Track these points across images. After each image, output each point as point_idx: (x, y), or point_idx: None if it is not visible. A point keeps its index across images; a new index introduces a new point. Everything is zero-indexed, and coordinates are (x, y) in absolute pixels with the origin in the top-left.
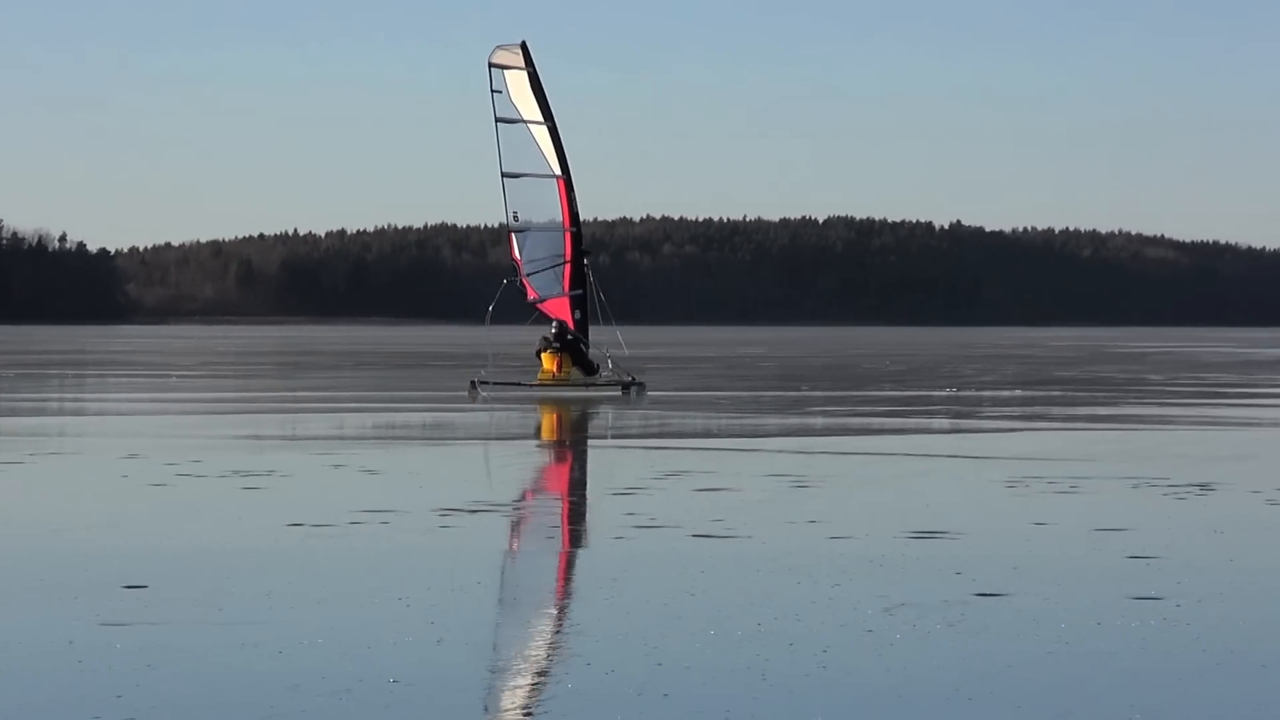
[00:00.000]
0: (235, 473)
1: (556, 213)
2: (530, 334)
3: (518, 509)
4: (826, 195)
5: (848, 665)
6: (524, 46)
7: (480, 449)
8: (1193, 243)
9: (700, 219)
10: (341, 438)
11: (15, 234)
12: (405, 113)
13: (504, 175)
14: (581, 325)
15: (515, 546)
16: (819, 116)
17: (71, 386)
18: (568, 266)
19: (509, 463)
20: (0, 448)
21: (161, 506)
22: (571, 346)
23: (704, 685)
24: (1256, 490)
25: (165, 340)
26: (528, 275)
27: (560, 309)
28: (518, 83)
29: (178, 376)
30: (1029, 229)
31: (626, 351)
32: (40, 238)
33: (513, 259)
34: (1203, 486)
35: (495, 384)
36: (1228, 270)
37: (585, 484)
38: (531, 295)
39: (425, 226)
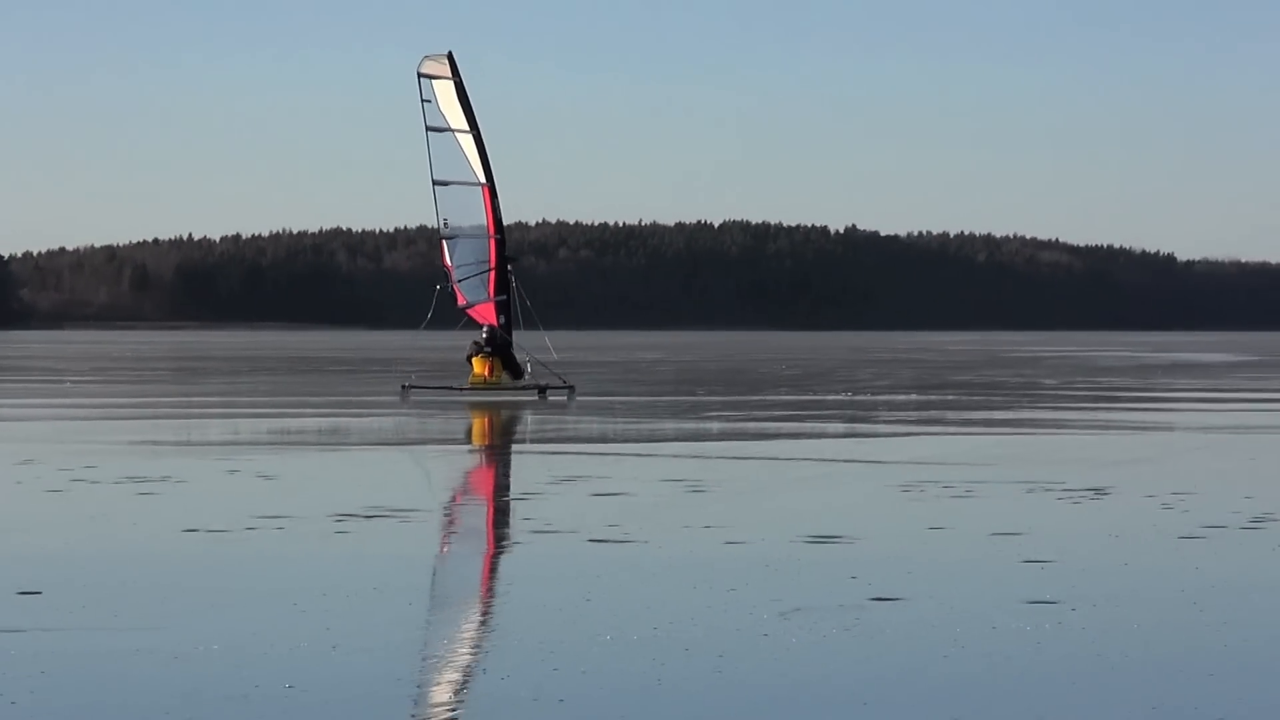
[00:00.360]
0: (130, 478)
1: (482, 219)
2: (460, 338)
3: (414, 514)
4: (722, 199)
5: (744, 669)
6: (450, 56)
7: (377, 454)
8: (1087, 246)
9: (596, 223)
10: (237, 443)
11: None
12: (299, 116)
13: (434, 183)
14: (506, 330)
15: (411, 552)
16: (714, 120)
17: None
18: (492, 273)
19: (405, 468)
20: None
21: (56, 512)
22: (502, 351)
23: (600, 690)
24: (1151, 494)
25: (60, 345)
26: (458, 281)
27: (486, 314)
28: (445, 92)
29: (73, 382)
30: (924, 233)
31: (555, 356)
32: None
33: (444, 266)
34: (1097, 491)
35: (426, 387)
36: (1121, 274)
37: (482, 489)
38: (461, 301)
39: (320, 231)
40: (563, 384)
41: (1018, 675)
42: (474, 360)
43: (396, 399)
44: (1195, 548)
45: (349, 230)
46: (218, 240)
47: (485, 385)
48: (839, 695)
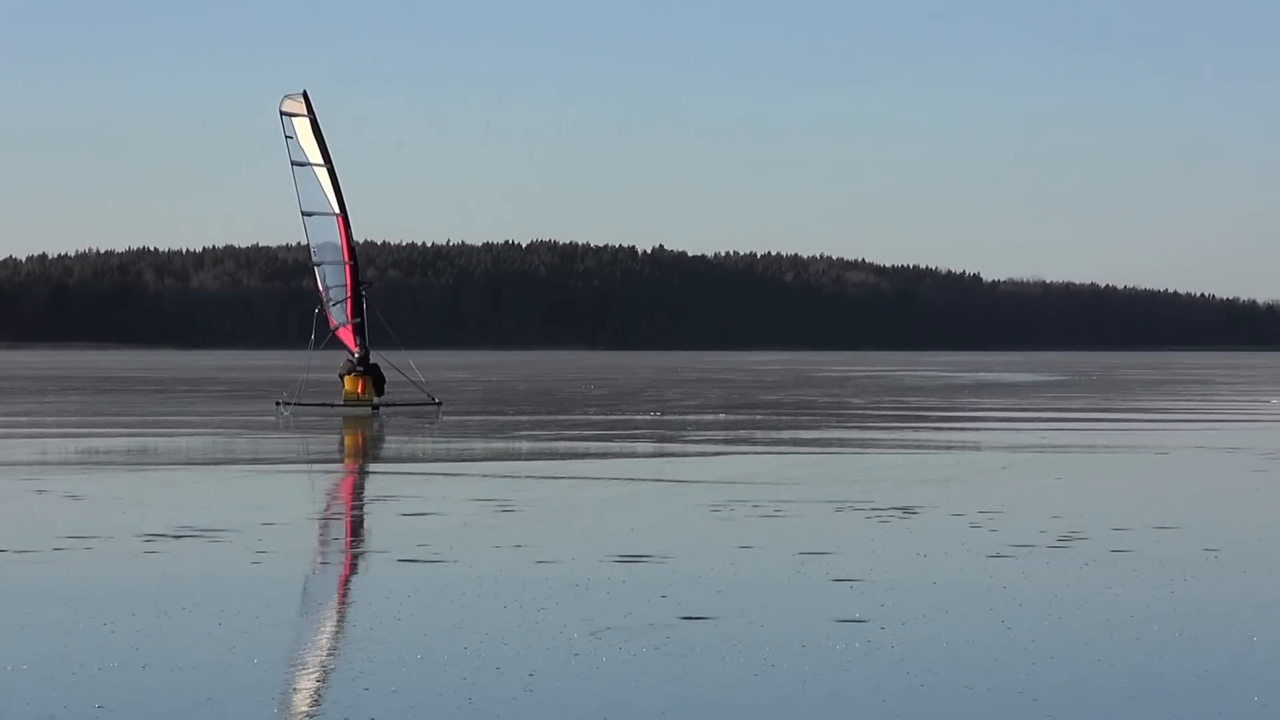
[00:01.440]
0: None
1: (338, 247)
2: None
3: (224, 534)
4: (529, 219)
5: (554, 689)
6: (305, 95)
7: (186, 474)
8: (893, 266)
9: (404, 243)
10: (45, 463)
11: None
12: (108, 135)
13: (303, 214)
14: (364, 350)
15: (221, 572)
16: (521, 140)
17: None
18: (349, 298)
19: (215, 488)
20: None
21: None
22: (373, 370)
23: (411, 710)
24: (959, 513)
25: None
26: (332, 305)
27: (347, 336)
28: (303, 129)
29: None
30: (731, 253)
31: (421, 376)
32: None
33: (317, 291)
34: (905, 510)
35: (300, 404)
36: (928, 294)
37: (293, 509)
38: (331, 324)
39: (128, 250)
40: (431, 400)
41: (828, 694)
42: (345, 378)
43: (274, 416)
44: (1003, 566)
45: (156, 250)
46: (24, 259)
47: (358, 401)
48: (650, 715)
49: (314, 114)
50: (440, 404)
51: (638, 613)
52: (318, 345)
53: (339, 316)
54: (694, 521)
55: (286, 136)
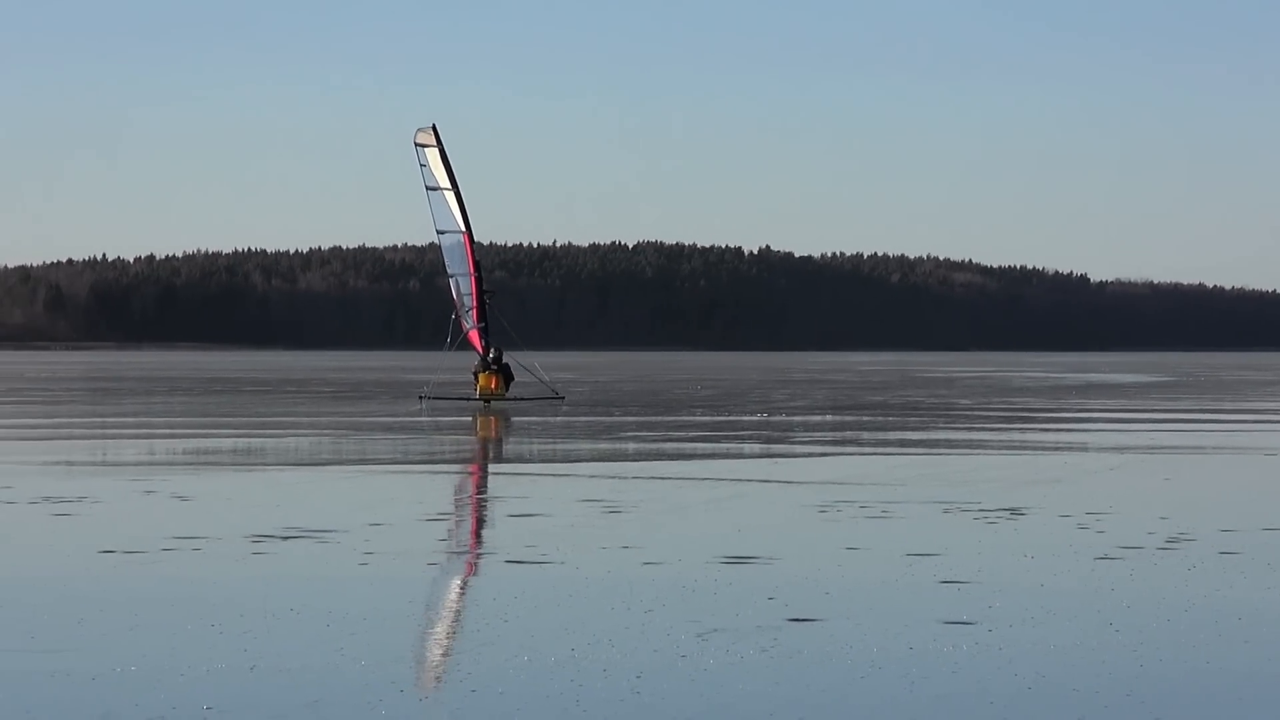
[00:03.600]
0: (46, 499)
1: (466, 261)
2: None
3: (331, 535)
4: (636, 220)
5: (661, 691)
6: (434, 129)
7: (294, 475)
8: (1000, 267)
9: (510, 244)
10: (153, 463)
11: None
12: (214, 136)
13: (437, 232)
14: (494, 350)
15: (328, 573)
16: (629, 141)
17: None
18: (475, 306)
19: (322, 488)
20: None
21: None
22: (504, 368)
23: (517, 712)
24: (1066, 514)
25: None
26: (464, 311)
27: (475, 339)
28: (434, 158)
29: None
30: (838, 254)
31: (545, 375)
32: None
33: (454, 301)
34: (1013, 511)
35: (440, 398)
36: (1035, 295)
37: (399, 510)
38: (464, 328)
39: (235, 251)
40: (554, 394)
41: (935, 696)
42: (480, 375)
43: (417, 406)
44: (1111, 568)
45: (263, 251)
46: (132, 260)
47: (492, 395)
48: (756, 717)
49: (442, 145)
50: (563, 398)
51: (745, 614)
52: (452, 346)
53: (469, 322)
54: (801, 522)
55: (420, 165)
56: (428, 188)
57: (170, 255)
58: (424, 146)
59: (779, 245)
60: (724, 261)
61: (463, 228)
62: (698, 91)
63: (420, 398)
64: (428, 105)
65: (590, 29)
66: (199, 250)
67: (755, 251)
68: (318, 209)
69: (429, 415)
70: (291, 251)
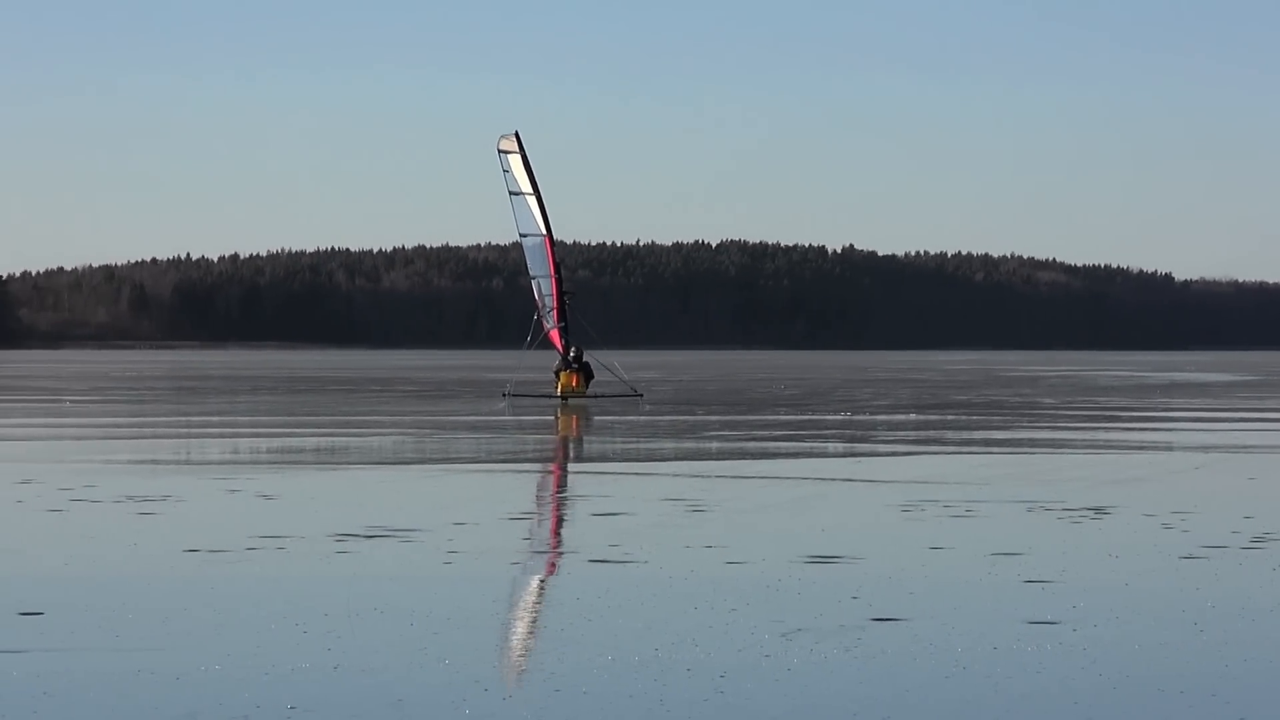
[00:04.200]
0: (130, 498)
1: (547, 263)
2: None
3: (415, 534)
4: (719, 219)
5: (745, 691)
6: (517, 135)
7: (377, 474)
8: (1084, 266)
9: (594, 243)
10: (237, 462)
11: None
12: (298, 135)
13: (520, 235)
14: (575, 348)
15: (412, 572)
16: (712, 140)
17: None
18: (555, 307)
19: (406, 487)
20: None
21: (57, 532)
22: (585, 366)
23: (601, 711)
24: (1151, 514)
25: (58, 365)
26: (545, 312)
27: (555, 338)
28: (517, 164)
29: (72, 401)
30: (921, 253)
31: (625, 374)
32: None
33: (535, 302)
34: (1097, 510)
35: (522, 395)
36: (1119, 294)
37: (483, 508)
38: (544, 328)
39: (318, 250)
40: (634, 391)
41: (1019, 696)
42: (561, 374)
43: (500, 404)
44: (1196, 568)
45: (347, 250)
46: (216, 260)
47: (572, 393)
48: (840, 717)
49: (524, 151)
50: (642, 395)
51: (828, 614)
52: (532, 345)
53: (549, 322)
54: (885, 522)
55: (504, 170)
56: (511, 193)
57: (254, 254)
58: (507, 153)
59: (863, 244)
60: (807, 260)
61: (544, 231)
62: (782, 90)
63: (503, 395)
64: (512, 104)
65: (676, 29)
66: (283, 249)
67: (839, 250)
68: (402, 208)
69: (512, 414)
70: (375, 251)
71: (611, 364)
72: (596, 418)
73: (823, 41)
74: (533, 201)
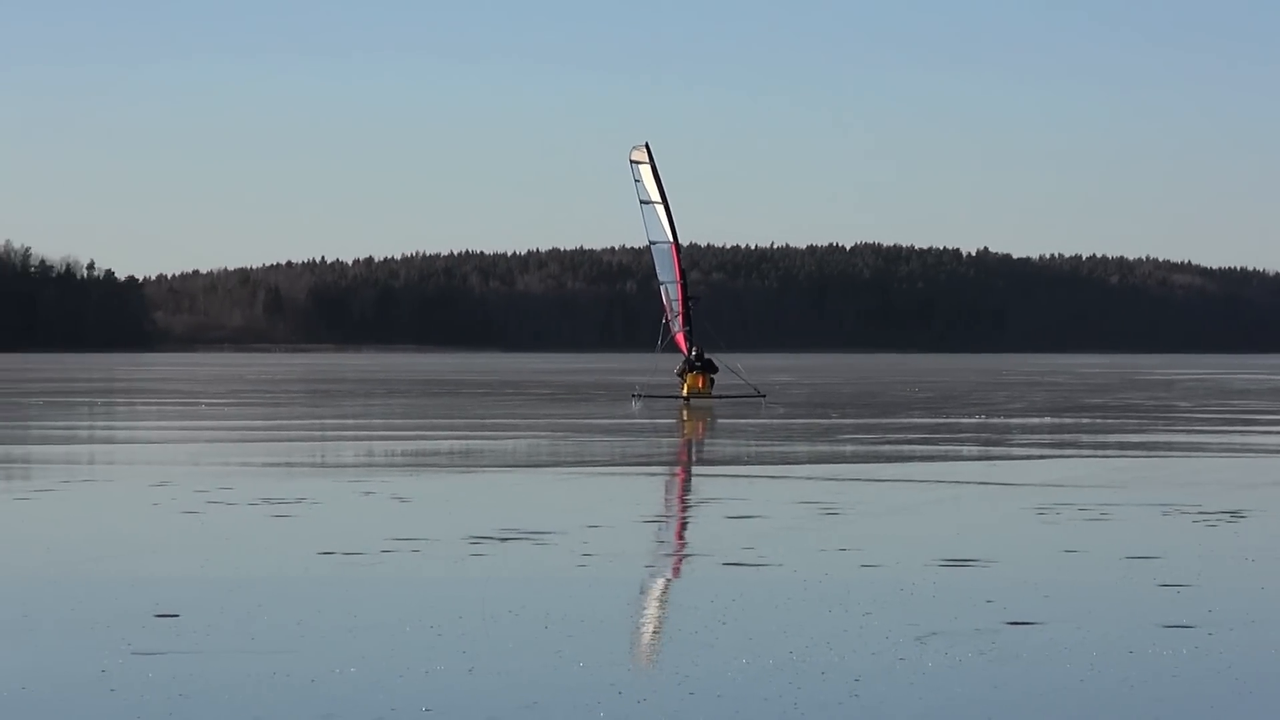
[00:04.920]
0: (265, 500)
1: (673, 270)
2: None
3: (549, 537)
4: (853, 222)
5: (880, 694)
6: (647, 146)
7: (511, 476)
8: (1220, 269)
9: (728, 246)
10: (372, 465)
11: (43, 262)
12: (433, 139)
13: (649, 242)
14: (699, 350)
15: (546, 575)
16: (846, 143)
17: (101, 414)
18: (681, 310)
19: (539, 490)
20: (31, 476)
21: (192, 535)
22: (709, 366)
23: (736, 714)
24: None
25: (193, 368)
26: (672, 317)
27: (681, 341)
28: (647, 174)
29: (207, 404)
30: (1056, 256)
31: (745, 372)
32: (68, 265)
33: (664, 306)
34: (1233, 514)
35: (651, 396)
36: (1255, 296)
37: (617, 511)
38: (671, 331)
39: (452, 254)
40: (756, 392)
41: (1155, 700)
42: (686, 376)
43: (631, 406)
44: None
45: (481, 253)
46: (350, 263)
47: (698, 394)
48: None
49: (654, 162)
50: (764, 396)
51: (963, 617)
52: (660, 348)
53: (675, 325)
54: (1019, 525)
55: (635, 180)
56: (641, 201)
57: (388, 257)
58: (638, 163)
59: (997, 247)
60: (942, 263)
61: (671, 239)
62: (918, 92)
63: (632, 396)
64: (646, 106)
65: (816, 31)
66: (417, 252)
67: (973, 253)
68: (536, 211)
69: (645, 416)
70: (509, 254)
71: (735, 366)
72: (730, 420)
73: (958, 44)
74: (661, 210)
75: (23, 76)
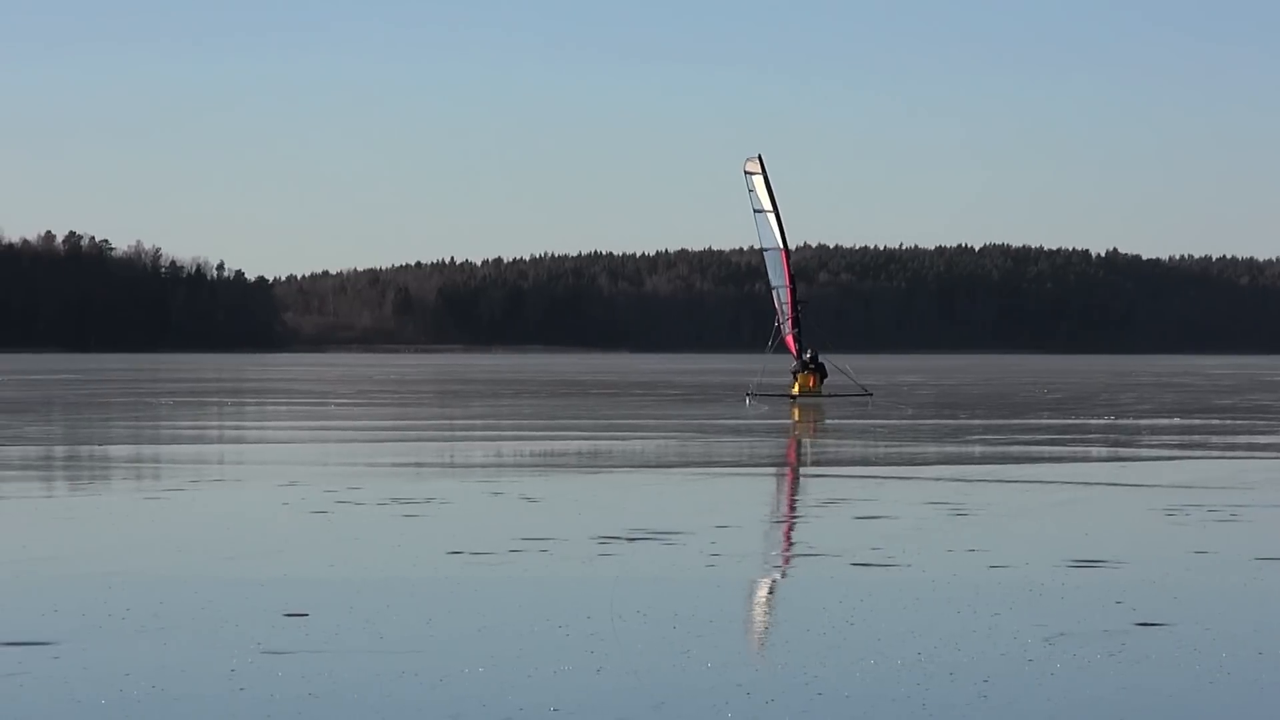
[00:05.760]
0: (394, 500)
1: (783, 275)
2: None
3: (677, 537)
4: (982, 223)
5: (1008, 695)
6: (760, 158)
7: (639, 477)
8: None
9: (857, 247)
10: (500, 465)
11: (174, 263)
12: (560, 140)
13: (762, 249)
14: (810, 351)
15: (675, 575)
16: (975, 145)
17: (231, 414)
18: (791, 314)
19: (667, 491)
20: (162, 476)
21: (321, 534)
22: (820, 367)
23: (863, 714)
24: None
25: (322, 368)
26: (782, 320)
27: (791, 343)
28: (759, 185)
29: (336, 404)
30: (1185, 257)
31: (857, 380)
32: (199, 266)
33: (774, 308)
34: None
35: (764, 395)
36: None
37: (745, 512)
38: (783, 333)
39: (581, 254)
40: (864, 391)
41: None
42: (798, 375)
43: (748, 404)
44: None
45: (609, 254)
46: (479, 264)
47: (809, 393)
48: None
49: (766, 173)
50: (871, 394)
51: (1092, 618)
52: (770, 349)
53: (785, 328)
54: (1148, 526)
55: (749, 190)
56: (755, 210)
57: (517, 258)
58: (751, 174)
59: (1126, 248)
60: (1071, 264)
61: (781, 245)
62: (1044, 93)
63: (745, 395)
64: (777, 109)
65: (944, 36)
66: (546, 253)
67: (1102, 254)
68: (664, 212)
69: (772, 418)
70: (638, 254)
71: (844, 367)
72: (859, 421)
73: (1086, 45)
74: (772, 218)
75: (155, 77)
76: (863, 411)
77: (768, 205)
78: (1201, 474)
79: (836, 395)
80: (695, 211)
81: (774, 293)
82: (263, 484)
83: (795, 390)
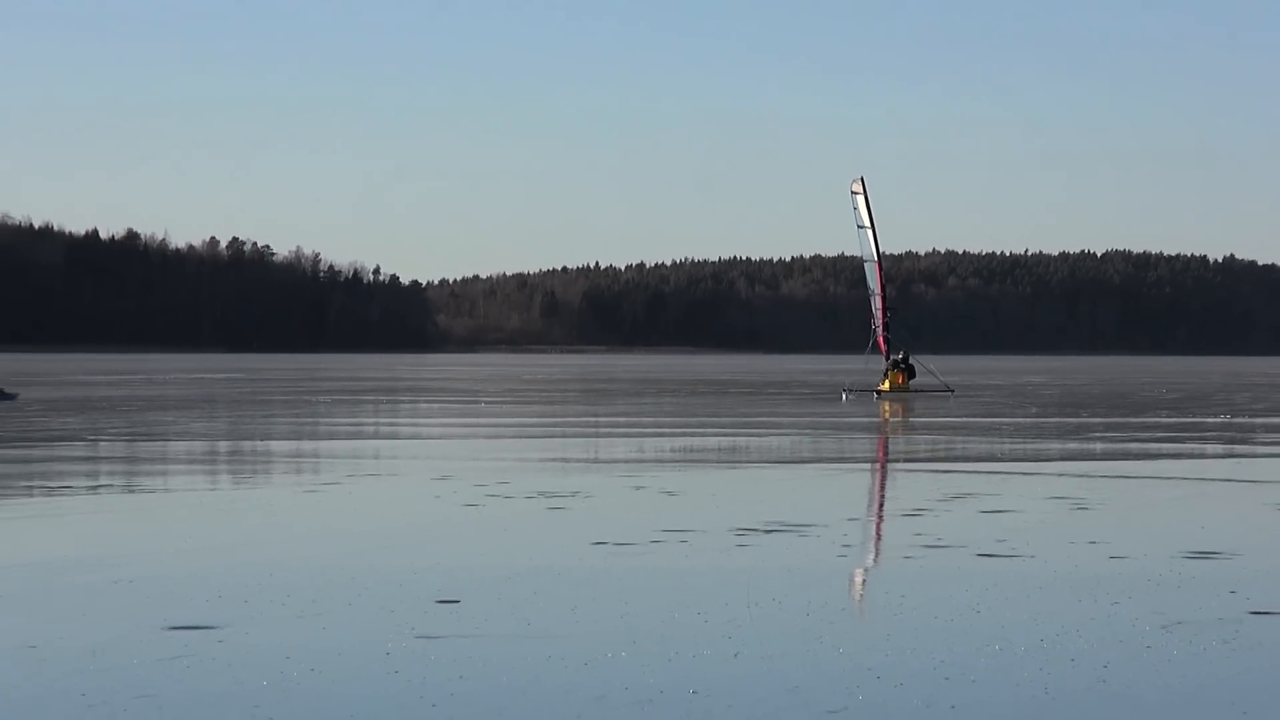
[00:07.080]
0: (541, 494)
1: (876, 284)
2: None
3: (811, 529)
4: (1104, 229)
5: (1127, 680)
6: (862, 180)
7: (775, 472)
8: None
9: (983, 252)
10: (642, 460)
11: (332, 267)
12: (704, 148)
13: (863, 260)
14: (901, 352)
15: (808, 565)
16: (1098, 152)
17: (386, 412)
18: (883, 319)
19: (801, 485)
20: (320, 470)
21: (472, 525)
22: (909, 368)
23: (989, 698)
24: None
25: (473, 368)
26: (876, 325)
27: (881, 344)
28: (861, 204)
29: (486, 402)
30: None
31: (940, 379)
32: (355, 271)
33: (872, 313)
34: None
35: (859, 391)
36: None
37: (875, 505)
38: (876, 336)
39: (720, 259)
40: (945, 388)
41: None
42: (889, 374)
43: (840, 399)
44: None
45: (748, 259)
46: (623, 268)
47: (899, 389)
48: (1220, 706)
49: (867, 193)
50: (953, 391)
51: (1207, 607)
52: (868, 351)
53: (878, 332)
54: (1263, 520)
55: (853, 208)
56: (858, 226)
57: (659, 263)
58: (855, 194)
59: (1243, 254)
60: (1189, 269)
61: (876, 258)
62: (1163, 101)
63: (843, 391)
64: (908, 117)
65: (1068, 45)
66: (686, 258)
67: (1220, 259)
68: (800, 219)
69: (899, 416)
70: (775, 260)
71: (929, 366)
72: (985, 419)
73: (1204, 57)
74: (870, 234)
75: (310, 90)
76: (989, 409)
77: (867, 222)
78: None
79: (921, 391)
80: (829, 219)
81: (871, 299)
82: (416, 478)
83: (885, 386)
